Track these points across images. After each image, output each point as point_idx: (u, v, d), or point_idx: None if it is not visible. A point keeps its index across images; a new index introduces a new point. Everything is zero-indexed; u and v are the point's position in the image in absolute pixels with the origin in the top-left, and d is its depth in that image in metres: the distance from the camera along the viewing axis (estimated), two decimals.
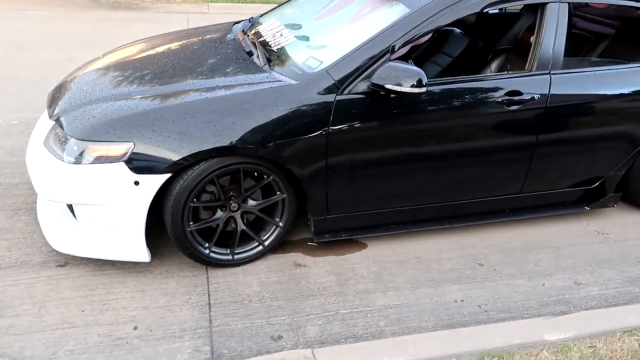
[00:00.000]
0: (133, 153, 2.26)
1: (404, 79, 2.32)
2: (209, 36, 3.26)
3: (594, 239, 3.05)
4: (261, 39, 2.97)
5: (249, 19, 3.52)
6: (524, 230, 3.06)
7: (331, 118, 2.42)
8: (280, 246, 2.72)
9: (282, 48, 2.78)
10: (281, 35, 2.94)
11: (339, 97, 2.42)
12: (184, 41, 3.20)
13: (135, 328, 2.21)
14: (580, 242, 3.00)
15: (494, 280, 2.65)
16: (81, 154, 2.30)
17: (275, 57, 2.72)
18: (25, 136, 3.71)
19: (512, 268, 2.75)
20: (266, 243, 2.63)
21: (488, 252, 2.86)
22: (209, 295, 2.42)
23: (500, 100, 2.62)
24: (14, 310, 2.25)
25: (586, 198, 3.16)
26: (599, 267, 2.80)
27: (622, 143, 3.00)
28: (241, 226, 2.56)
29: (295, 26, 3.05)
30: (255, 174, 2.47)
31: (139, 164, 2.27)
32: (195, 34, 3.36)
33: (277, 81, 2.46)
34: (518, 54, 3.11)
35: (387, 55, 2.45)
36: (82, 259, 2.55)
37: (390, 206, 2.75)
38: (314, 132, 2.41)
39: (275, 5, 3.70)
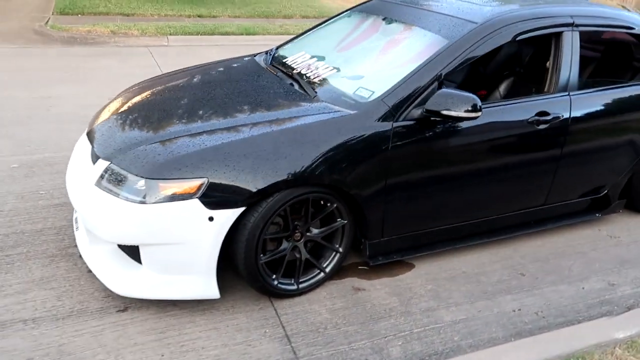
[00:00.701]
0: (207, 188, 2.25)
1: (459, 104, 2.48)
2: (238, 69, 3.29)
3: (609, 243, 3.32)
4: (296, 71, 3.04)
5: (267, 52, 3.59)
6: (549, 240, 3.28)
7: (390, 144, 2.52)
8: (334, 273, 2.75)
9: (325, 79, 2.87)
10: (316, 67, 3.03)
11: (395, 124, 2.53)
12: (216, 75, 3.21)
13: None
14: (600, 247, 3.26)
15: (539, 288, 2.82)
16: (151, 193, 2.26)
17: (319, 88, 2.80)
18: (32, 179, 3.54)
19: (552, 275, 2.94)
20: (327, 270, 2.66)
21: (525, 262, 3.04)
22: (283, 327, 2.41)
23: (531, 120, 2.84)
24: None
25: (594, 207, 3.44)
26: (623, 267, 3.06)
27: (626, 153, 3.32)
28: (305, 255, 2.58)
29: (321, 58, 3.16)
30: (321, 202, 2.51)
31: (214, 200, 2.26)
32: (221, 67, 3.38)
33: (336, 111, 2.54)
34: (524, 78, 3.39)
35: (435, 83, 2.61)
36: (142, 301, 2.47)
37: (435, 225, 2.87)
38: (375, 158, 2.50)
39: (288, 38, 3.80)
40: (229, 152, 2.32)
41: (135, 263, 2.43)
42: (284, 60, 3.28)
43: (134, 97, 3.03)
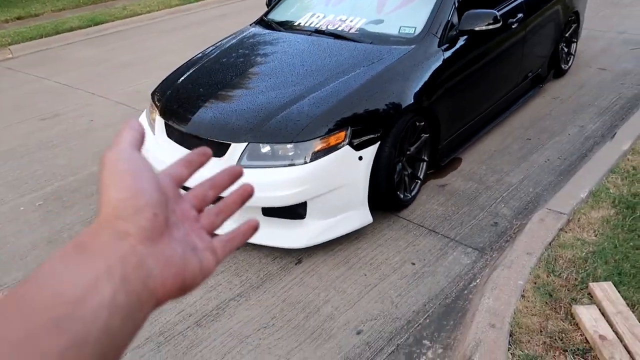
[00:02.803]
0: (351, 134, 2.68)
1: (484, 19, 3.21)
2: (272, 42, 3.55)
3: (557, 102, 4.47)
4: (329, 29, 3.44)
5: (258, 23, 3.88)
6: (524, 114, 4.31)
7: (447, 61, 3.17)
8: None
9: (361, 29, 3.36)
10: (340, 22, 3.47)
11: (444, 46, 3.18)
12: (262, 49, 3.46)
13: (413, 264, 2.72)
14: (554, 107, 4.39)
15: (545, 143, 3.82)
16: (307, 153, 2.61)
17: (365, 37, 3.28)
18: (62, 216, 3.44)
19: (544, 134, 3.96)
20: (421, 177, 3.28)
21: (523, 131, 4.02)
22: (422, 226, 3.00)
23: (509, 22, 3.71)
24: (318, 303, 2.52)
25: (535, 83, 4.56)
26: (577, 114, 4.22)
27: (552, 34, 4.44)
28: (408, 169, 3.17)
29: (330, 13, 3.60)
30: (416, 123, 3.08)
31: (359, 142, 2.70)
32: (249, 43, 3.61)
33: (401, 49, 3.09)
34: None
35: (454, 9, 3.29)
36: (304, 251, 2.84)
37: (469, 119, 3.64)
38: (440, 77, 3.14)
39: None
40: (352, 100, 2.76)
41: (293, 220, 2.78)
42: (298, 24, 3.63)
43: (205, 83, 3.16)
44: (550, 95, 4.61)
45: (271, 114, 2.74)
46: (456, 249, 2.80)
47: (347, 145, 2.67)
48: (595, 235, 2.57)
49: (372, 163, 2.77)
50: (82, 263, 0.37)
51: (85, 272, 0.36)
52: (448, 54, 3.20)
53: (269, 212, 2.77)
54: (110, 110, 5.15)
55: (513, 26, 3.75)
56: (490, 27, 3.22)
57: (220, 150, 2.76)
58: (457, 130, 3.55)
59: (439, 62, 3.14)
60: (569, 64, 5.01)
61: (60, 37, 8.39)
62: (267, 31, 3.71)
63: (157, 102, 3.26)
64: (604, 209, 2.78)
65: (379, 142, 2.78)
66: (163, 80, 3.52)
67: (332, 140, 2.65)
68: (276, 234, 2.77)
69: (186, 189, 0.51)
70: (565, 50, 4.88)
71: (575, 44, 5.06)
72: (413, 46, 3.12)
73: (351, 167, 2.71)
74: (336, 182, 2.68)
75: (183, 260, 0.43)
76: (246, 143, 2.68)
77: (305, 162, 2.61)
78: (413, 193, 3.21)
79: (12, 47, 7.96)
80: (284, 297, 2.56)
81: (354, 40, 3.28)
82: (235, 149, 2.70)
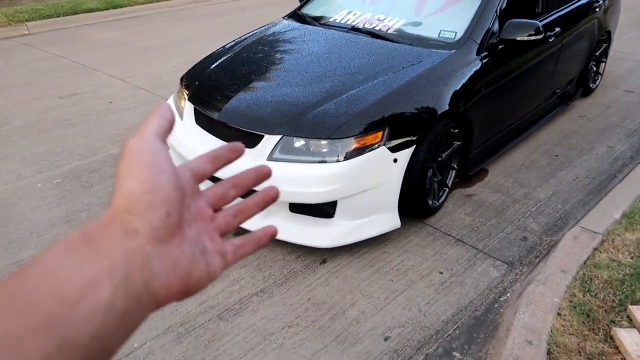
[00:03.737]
0: (388, 135, 2.62)
1: (526, 30, 3.15)
2: (311, 37, 3.47)
3: (584, 120, 4.42)
4: (367, 27, 3.38)
5: (291, 17, 3.82)
6: (551, 129, 4.25)
7: (483, 70, 3.11)
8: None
9: (399, 30, 3.30)
10: (377, 21, 3.41)
11: (483, 53, 3.13)
12: (301, 44, 3.40)
13: (441, 272, 2.65)
14: (581, 125, 4.34)
15: (574, 160, 3.76)
16: (343, 151, 2.55)
17: (405, 38, 3.22)
18: (81, 196, 3.36)
19: (572, 151, 3.90)
20: (449, 185, 3.22)
21: (550, 147, 3.96)
22: (450, 235, 2.94)
23: (546, 36, 3.66)
24: (343, 305, 2.45)
25: (562, 100, 4.50)
26: (605, 134, 4.16)
27: (584, 51, 4.39)
28: (439, 176, 3.10)
29: (367, 12, 3.54)
30: (450, 130, 3.02)
31: (395, 143, 2.64)
32: (290, 36, 3.54)
33: (441, 53, 3.03)
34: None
35: (497, 17, 3.23)
36: (331, 251, 2.78)
37: (499, 130, 3.58)
38: (478, 84, 3.08)
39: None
40: (391, 101, 2.70)
41: (321, 219, 2.71)
42: (334, 21, 3.57)
43: (239, 72, 3.10)
44: (577, 114, 4.56)
45: (307, 109, 2.67)
46: (485, 261, 2.74)
47: (384, 147, 2.61)
48: (632, 258, 2.51)
49: (406, 166, 2.71)
50: (85, 257, 0.36)
51: (86, 269, 0.35)
52: (486, 61, 3.14)
53: (296, 208, 2.70)
54: (129, 94, 5.08)
55: (550, 39, 3.70)
56: (532, 38, 3.16)
57: (252, 141, 2.70)
58: (488, 141, 3.49)
59: (478, 70, 3.08)
60: (597, 84, 4.96)
61: (78, 18, 8.35)
62: (302, 25, 3.65)
63: (186, 88, 3.20)
64: (638, 231, 2.72)
65: (414, 146, 2.71)
66: (194, 66, 3.46)
67: (369, 139, 2.59)
68: (302, 232, 2.71)
69: (215, 180, 0.46)
70: (594, 69, 4.83)
71: (604, 63, 5.01)
72: (453, 51, 3.06)
73: (385, 169, 2.64)
74: (369, 183, 2.62)
75: (191, 263, 0.41)
76: (280, 136, 2.61)
77: (339, 160, 2.54)
78: (441, 200, 3.14)
79: (28, 24, 7.91)
80: (308, 296, 2.49)
81: (392, 41, 3.22)
82: (269, 141, 2.63)
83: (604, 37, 4.79)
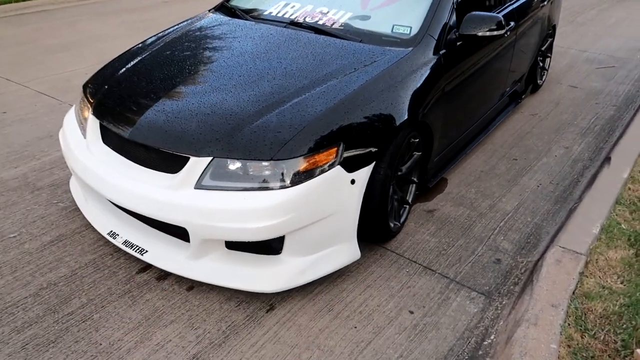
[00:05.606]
0: (343, 152, 2.16)
1: (487, 24, 2.80)
2: (240, 32, 2.92)
3: (536, 119, 4.20)
4: (308, 21, 2.89)
5: (218, 9, 3.27)
6: (505, 131, 3.99)
7: (443, 69, 2.73)
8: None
9: (346, 24, 2.84)
10: (321, 14, 2.94)
11: (442, 51, 2.74)
12: (227, 41, 2.84)
13: (412, 312, 2.24)
14: (534, 124, 4.11)
15: (533, 165, 3.49)
16: (288, 174, 2.06)
17: (353, 34, 2.77)
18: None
19: (531, 154, 3.64)
20: (410, 201, 2.82)
21: (507, 151, 3.67)
22: (415, 262, 2.54)
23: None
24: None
25: (513, 98, 4.26)
26: (559, 133, 3.95)
27: (532, 47, 4.16)
28: (399, 193, 2.69)
29: (306, 4, 3.07)
30: (410, 140, 2.61)
31: (350, 161, 2.19)
32: (212, 32, 2.97)
33: (397, 51, 2.61)
34: None
35: (453, 10, 2.86)
36: (278, 294, 2.29)
37: (459, 134, 3.22)
38: (437, 85, 2.69)
39: None
40: (345, 110, 2.24)
41: (265, 256, 2.22)
42: (269, 14, 3.06)
43: (156, 78, 2.51)
44: (528, 112, 4.33)
45: (243, 122, 2.16)
46: (459, 292, 2.36)
47: (339, 166, 2.15)
48: (622, 283, 2.22)
49: (364, 188, 2.27)
50: None
51: None
52: (445, 60, 2.77)
53: (234, 244, 2.19)
54: (28, 101, 4.30)
55: (506, 34, 3.39)
56: (495, 33, 2.82)
57: (174, 164, 2.15)
58: (446, 147, 3.13)
59: (437, 70, 2.69)
60: (544, 79, 4.79)
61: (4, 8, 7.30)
62: (232, 19, 3.11)
63: (90, 97, 2.58)
64: (620, 248, 2.45)
65: (374, 162, 2.28)
66: (100, 70, 2.83)
67: (321, 158, 2.12)
68: (243, 274, 2.20)
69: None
70: (541, 64, 4.64)
71: (549, 58, 4.85)
72: (410, 49, 2.65)
73: (342, 193, 2.19)
74: (324, 211, 2.15)
75: None
76: (210, 157, 2.08)
77: (285, 186, 2.05)
78: (402, 220, 2.74)
79: None
80: (255, 359, 1.99)
81: (339, 37, 2.76)
82: (196, 165, 2.09)
83: (550, 32, 4.61)
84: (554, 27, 4.66)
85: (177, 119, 2.22)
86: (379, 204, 2.38)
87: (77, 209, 2.84)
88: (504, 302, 2.30)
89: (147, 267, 2.44)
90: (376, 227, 2.46)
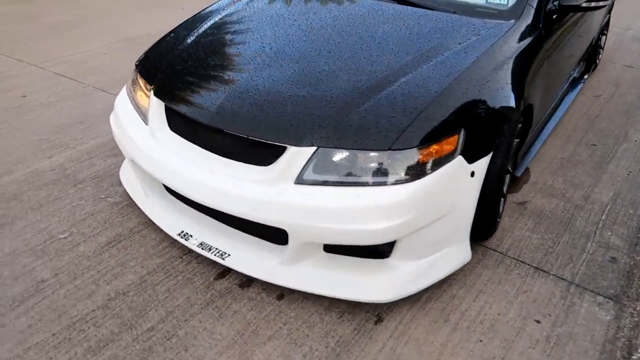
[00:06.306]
0: (464, 140, 1.86)
1: None
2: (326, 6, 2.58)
3: (601, 100, 3.92)
4: None
5: None
6: (576, 111, 3.71)
7: (544, 45, 2.43)
8: None
9: None
10: None
11: (541, 24, 2.44)
12: (313, 15, 2.49)
13: (538, 321, 1.97)
14: (603, 107, 3.83)
15: (614, 151, 3.23)
16: (405, 166, 1.76)
17: (444, 3, 2.45)
18: None
19: (608, 139, 3.37)
20: (505, 193, 2.53)
21: (584, 135, 3.40)
22: (524, 263, 2.26)
23: None
24: None
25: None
26: (631, 117, 3.68)
27: (600, 23, 3.87)
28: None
29: None
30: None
31: (471, 150, 1.88)
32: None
33: (500, 24, 2.30)
34: None
35: None
36: (385, 305, 2.00)
37: (541, 117, 2.92)
38: (538, 64, 2.40)
39: None
40: (462, 90, 1.93)
41: (371, 260, 1.93)
42: None
43: (233, 56, 2.17)
44: (589, 93, 4.05)
45: (348, 105, 1.84)
46: (582, 297, 2.09)
47: (460, 156, 1.85)
48: None
49: (482, 181, 1.97)
50: None
51: None
52: (545, 34, 2.46)
53: (333, 248, 1.89)
54: (48, 83, 3.92)
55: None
56: (600, 3, 2.51)
57: (265, 155, 1.83)
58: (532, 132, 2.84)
59: (538, 45, 2.39)
60: (600, 58, 4.51)
61: None
62: None
63: (149, 78, 2.23)
64: None
65: (492, 152, 1.98)
66: (154, 46, 2.47)
67: (443, 148, 1.81)
68: (347, 281, 1.91)
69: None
70: (599, 42, 4.35)
71: (605, 36, 4.56)
72: (512, 21, 2.34)
73: (462, 187, 1.89)
74: (443, 209, 1.86)
75: None
76: (314, 147, 1.77)
77: (403, 180, 1.75)
78: (500, 213, 2.46)
79: None
80: None
81: (428, 8, 2.43)
82: (297, 156, 1.77)
83: (611, 6, 4.31)
84: (612, 2, 4.36)
85: (268, 102, 1.90)
86: (494, 198, 2.09)
87: (131, 205, 2.51)
88: (638, 308, 2.04)
89: (225, 271, 2.13)
90: (486, 223, 2.17)
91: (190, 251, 2.22)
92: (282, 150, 1.81)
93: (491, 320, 1.96)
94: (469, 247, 2.08)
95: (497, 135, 1.97)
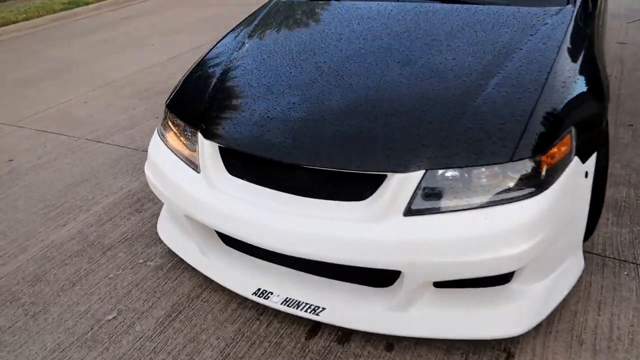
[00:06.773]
0: (577, 137, 1.66)
1: None
2: (352, 12, 2.35)
3: (612, 79, 3.86)
4: None
5: None
6: None
7: (594, 20, 2.30)
8: None
9: None
10: None
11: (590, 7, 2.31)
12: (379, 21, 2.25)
13: None
14: (618, 84, 3.77)
15: None
16: (530, 177, 1.54)
17: None
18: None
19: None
20: None
21: (612, 117, 3.30)
22: (624, 262, 2.08)
23: None
24: None
25: None
26: None
27: None
28: None
29: None
30: None
31: (582, 150, 1.69)
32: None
33: (562, 10, 2.14)
34: None
35: None
36: (512, 338, 1.76)
37: None
38: (594, 38, 2.23)
39: None
40: (562, 84, 1.74)
41: (489, 289, 1.69)
42: None
43: (287, 80, 1.91)
44: None
45: (447, 117, 1.61)
46: None
47: (576, 157, 1.65)
48: None
49: (592, 180, 1.78)
50: None
51: None
52: (590, 14, 2.33)
53: (444, 281, 1.65)
54: (33, 143, 3.54)
55: None
56: None
57: (359, 189, 1.58)
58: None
59: (592, 25, 2.24)
60: None
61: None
62: (321, 0, 2.53)
63: (188, 118, 1.94)
64: None
65: (600, 146, 1.79)
66: (184, 84, 2.18)
67: (560, 150, 1.61)
68: (465, 318, 1.66)
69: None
70: None
71: None
72: (569, 6, 2.19)
73: (578, 190, 1.69)
74: (567, 218, 1.65)
75: None
76: (422, 171, 1.53)
77: (526, 194, 1.52)
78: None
79: None
80: None
81: (478, 3, 2.25)
82: (401, 184, 1.53)
83: None
84: None
85: (351, 127, 1.65)
86: (600, 198, 1.90)
87: (177, 266, 2.19)
88: None
89: (314, 328, 1.84)
90: (591, 226, 1.98)
91: (266, 310, 1.93)
92: (380, 179, 1.56)
93: (628, 334, 1.75)
94: (582, 255, 1.87)
95: (600, 125, 1.79)
